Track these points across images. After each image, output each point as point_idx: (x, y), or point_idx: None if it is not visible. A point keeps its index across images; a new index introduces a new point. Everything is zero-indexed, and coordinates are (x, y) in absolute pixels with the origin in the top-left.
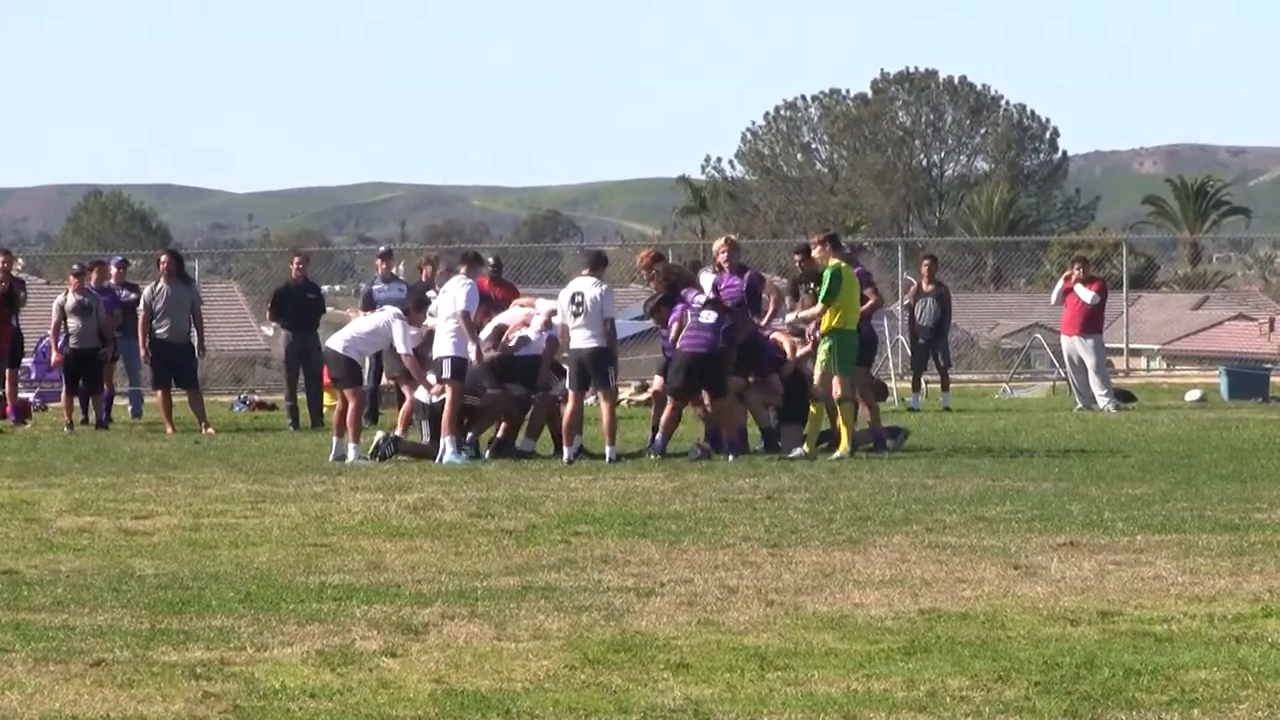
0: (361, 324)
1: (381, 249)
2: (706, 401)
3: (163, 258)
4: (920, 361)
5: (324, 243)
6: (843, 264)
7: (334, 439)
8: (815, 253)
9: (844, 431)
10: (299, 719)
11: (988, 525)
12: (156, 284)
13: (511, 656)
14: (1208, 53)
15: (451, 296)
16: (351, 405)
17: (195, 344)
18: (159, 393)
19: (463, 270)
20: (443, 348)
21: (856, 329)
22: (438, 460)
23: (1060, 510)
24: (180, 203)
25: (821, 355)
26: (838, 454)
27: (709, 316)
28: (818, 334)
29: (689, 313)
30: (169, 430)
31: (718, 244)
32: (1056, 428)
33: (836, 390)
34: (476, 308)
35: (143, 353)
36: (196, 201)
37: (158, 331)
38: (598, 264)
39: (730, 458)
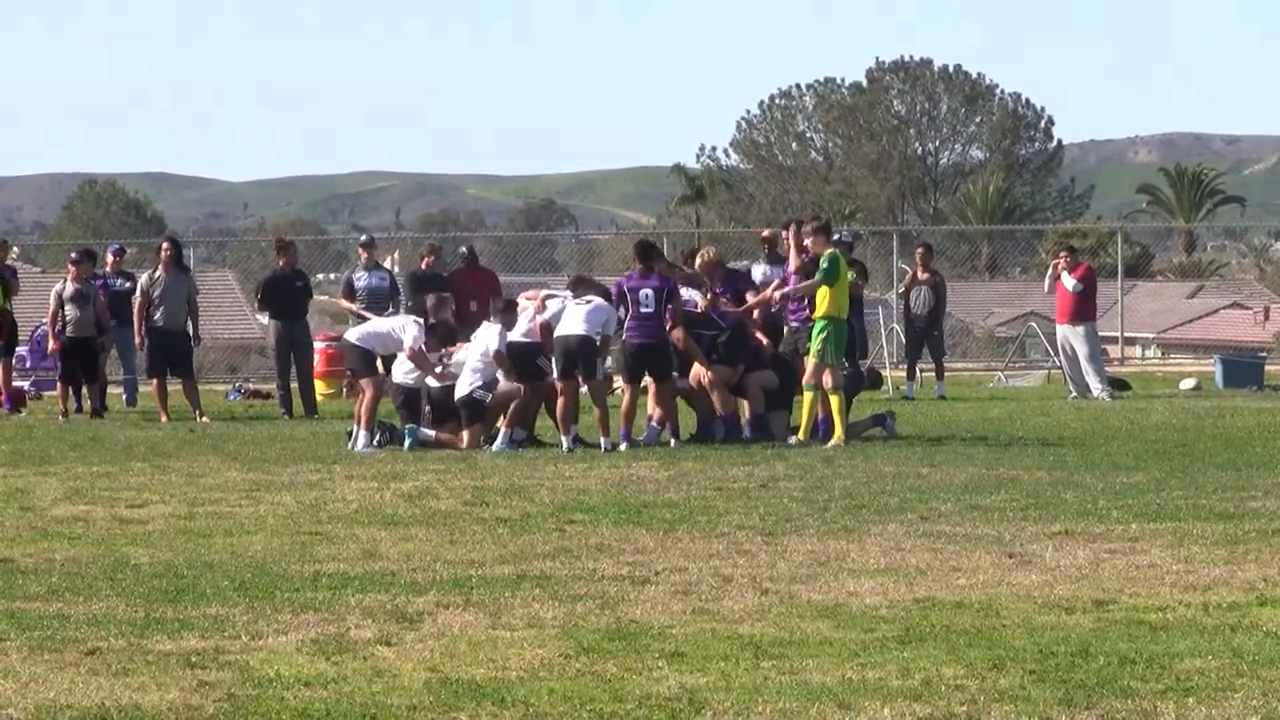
0: (379, 324)
1: (363, 238)
2: (701, 383)
3: (164, 245)
4: (915, 350)
5: (319, 231)
6: (835, 252)
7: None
8: (809, 242)
9: (837, 421)
10: (294, 708)
11: (982, 514)
12: (154, 271)
13: (506, 645)
14: (1202, 41)
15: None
16: (367, 395)
17: (191, 332)
18: (154, 381)
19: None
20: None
21: (847, 318)
22: (493, 447)
23: (1055, 499)
24: (175, 191)
25: (815, 344)
26: (832, 443)
27: (649, 305)
28: (794, 320)
29: (634, 304)
30: (163, 419)
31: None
32: (1051, 416)
33: (828, 380)
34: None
35: (138, 339)
36: (191, 190)
37: (154, 319)
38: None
39: (674, 441)
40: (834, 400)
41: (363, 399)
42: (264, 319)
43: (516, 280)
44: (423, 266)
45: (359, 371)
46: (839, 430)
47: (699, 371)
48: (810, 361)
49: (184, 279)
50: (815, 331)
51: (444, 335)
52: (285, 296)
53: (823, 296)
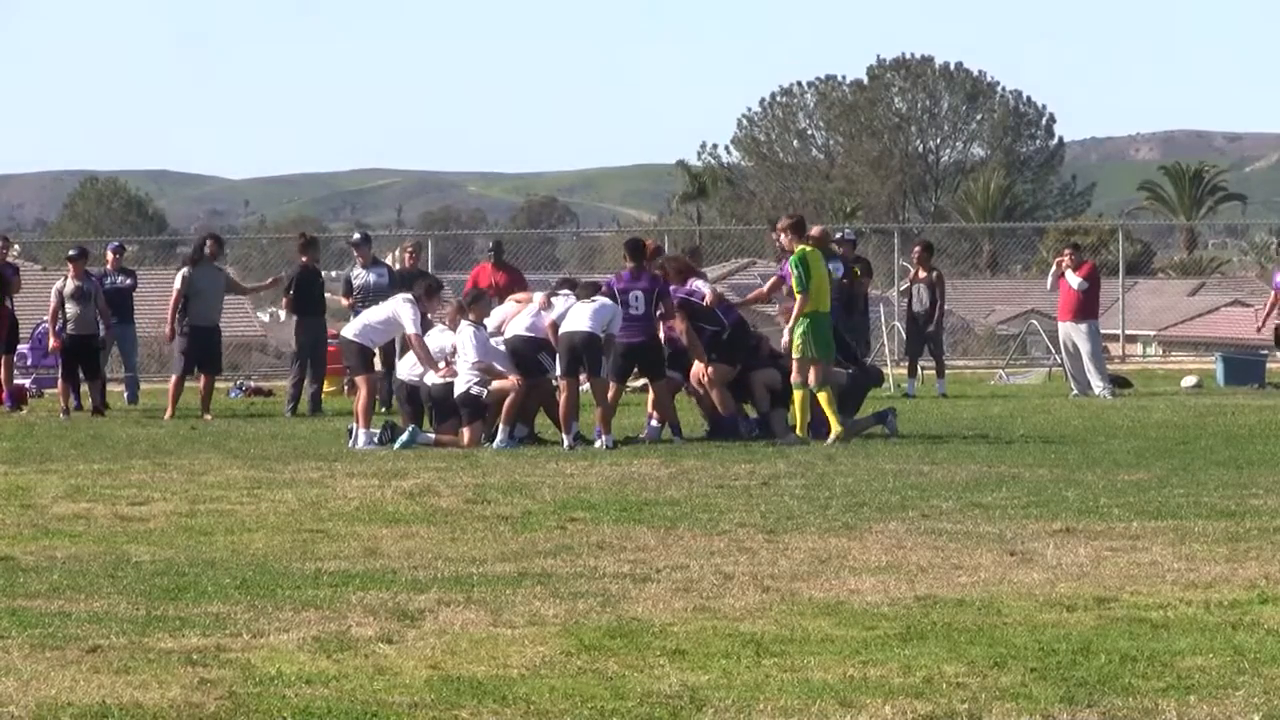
0: (374, 313)
1: (355, 236)
2: (702, 383)
3: (208, 242)
4: (915, 348)
5: (320, 229)
6: (808, 248)
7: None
8: (782, 240)
9: (830, 416)
10: (295, 706)
11: (984, 512)
12: (195, 266)
13: (507, 643)
14: (1204, 38)
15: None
16: (363, 392)
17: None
18: (174, 377)
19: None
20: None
21: (829, 312)
22: (495, 445)
23: (1056, 496)
24: (177, 189)
25: (796, 340)
26: (831, 439)
27: (639, 307)
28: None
29: (624, 305)
30: (169, 415)
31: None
32: (1052, 414)
33: (814, 377)
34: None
35: (168, 330)
36: (193, 187)
37: (187, 316)
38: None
39: (676, 439)
40: (823, 396)
41: (360, 396)
42: (265, 316)
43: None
44: (407, 264)
45: (356, 368)
46: (835, 425)
47: (699, 370)
48: (794, 359)
49: (220, 275)
50: (795, 332)
51: (429, 289)
52: (314, 293)
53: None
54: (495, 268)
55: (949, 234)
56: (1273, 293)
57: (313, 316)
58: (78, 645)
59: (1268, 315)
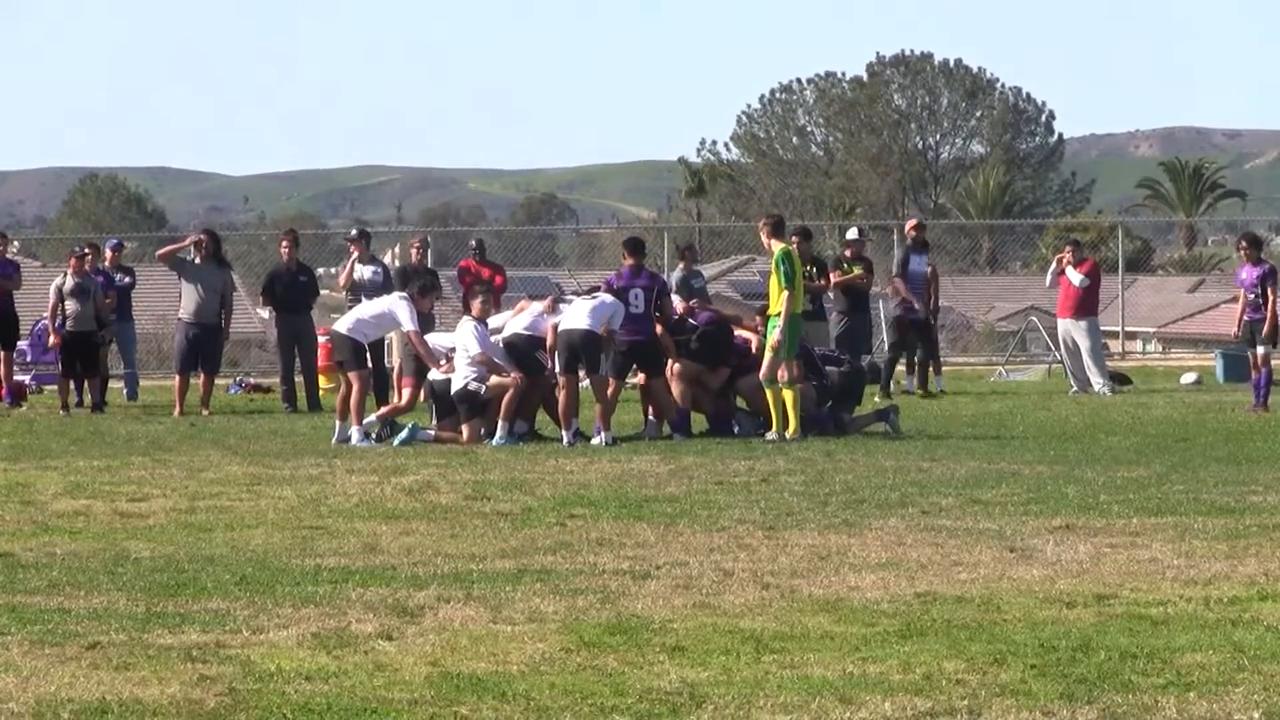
0: (367, 308)
1: (352, 232)
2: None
3: (200, 237)
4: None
5: (320, 225)
6: (788, 247)
7: (336, 421)
8: (762, 238)
9: (792, 415)
10: (294, 702)
11: (983, 508)
12: (192, 260)
13: (507, 639)
14: (1204, 35)
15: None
16: (355, 388)
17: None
18: (178, 375)
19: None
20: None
21: (801, 312)
22: (494, 442)
23: (1056, 493)
24: (176, 185)
25: (771, 340)
26: (788, 435)
27: (639, 305)
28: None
29: (624, 304)
30: (177, 412)
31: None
32: (1052, 411)
33: (783, 374)
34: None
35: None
36: (192, 184)
37: (183, 315)
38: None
39: (677, 435)
40: (788, 395)
41: (350, 392)
42: (265, 313)
43: (518, 275)
44: (413, 260)
45: (347, 364)
46: (794, 423)
47: (671, 365)
48: (766, 357)
49: (219, 273)
50: (770, 328)
51: (423, 288)
52: (288, 290)
53: (776, 293)
54: (479, 264)
55: (948, 231)
56: (1241, 292)
57: (286, 312)
58: (77, 642)
59: (1241, 314)
